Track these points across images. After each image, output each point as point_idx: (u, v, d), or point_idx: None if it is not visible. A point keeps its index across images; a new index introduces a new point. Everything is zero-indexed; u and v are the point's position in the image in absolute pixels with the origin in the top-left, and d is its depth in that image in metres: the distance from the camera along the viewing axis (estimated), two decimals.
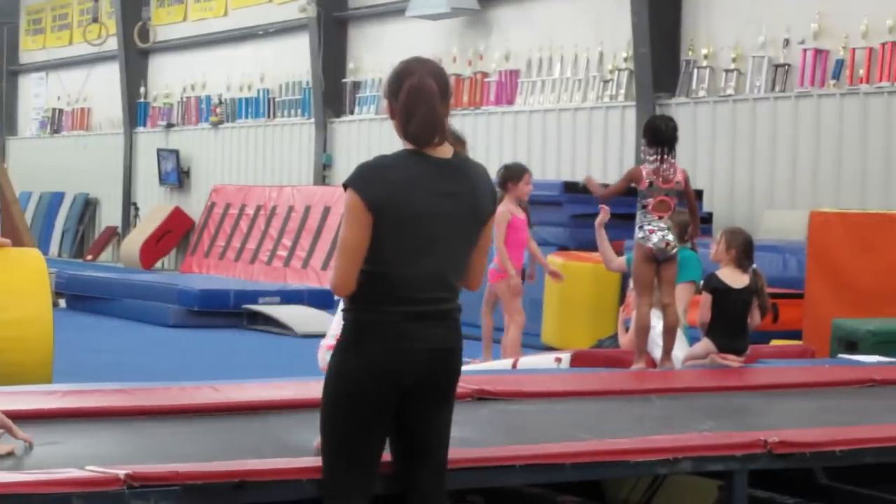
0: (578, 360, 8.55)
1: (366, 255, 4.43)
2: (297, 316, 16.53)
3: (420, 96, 4.47)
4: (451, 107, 4.62)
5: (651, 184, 7.91)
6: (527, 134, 20.45)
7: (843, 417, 6.64)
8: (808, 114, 16.50)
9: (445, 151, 4.56)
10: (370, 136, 23.41)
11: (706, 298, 8.10)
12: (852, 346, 9.88)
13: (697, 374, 7.88)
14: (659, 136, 8.00)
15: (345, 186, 4.47)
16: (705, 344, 8.13)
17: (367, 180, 4.45)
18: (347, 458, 4.50)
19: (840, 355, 9.70)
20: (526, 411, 6.36)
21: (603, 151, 19.19)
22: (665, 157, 7.97)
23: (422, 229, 4.45)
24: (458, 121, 5.01)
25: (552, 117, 19.97)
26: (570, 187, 15.93)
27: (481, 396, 6.45)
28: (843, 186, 16.05)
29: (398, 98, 4.52)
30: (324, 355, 5.45)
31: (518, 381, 7.13)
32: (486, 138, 20.39)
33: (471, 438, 4.85)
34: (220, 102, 27.62)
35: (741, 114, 17.40)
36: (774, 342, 11.55)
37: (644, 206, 7.96)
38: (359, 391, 4.44)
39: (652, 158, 8.00)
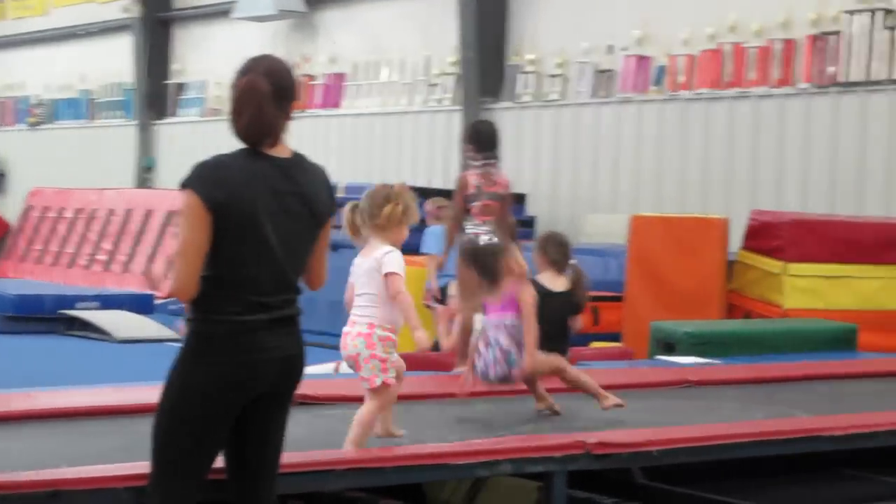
0: None
1: (206, 258, 4.33)
2: (115, 321, 16.25)
3: (249, 97, 4.41)
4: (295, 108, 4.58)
5: (478, 188, 7.95)
6: (353, 137, 20.43)
7: (660, 418, 6.76)
8: (630, 119, 16.80)
9: (283, 151, 4.50)
10: (194, 138, 23.16)
11: None
12: (670, 347, 10.06)
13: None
14: (481, 140, 8.05)
15: (182, 186, 4.36)
16: None
17: (205, 180, 4.33)
18: (180, 467, 4.35)
19: (658, 357, 9.88)
20: (347, 416, 6.32)
21: (429, 155, 19.27)
22: (488, 161, 8.01)
23: (262, 229, 4.36)
24: None
25: (378, 121, 20.01)
26: None
27: (302, 401, 6.41)
28: (663, 191, 16.36)
29: (233, 96, 4.48)
30: (354, 341, 5.44)
31: (338, 386, 7.10)
32: (312, 141, 20.32)
33: (292, 443, 4.81)
34: (39, 103, 27.08)
35: (565, 119, 17.63)
36: (595, 344, 11.71)
37: (468, 211, 7.99)
38: (204, 403, 4.30)
39: (478, 163, 8.04)
